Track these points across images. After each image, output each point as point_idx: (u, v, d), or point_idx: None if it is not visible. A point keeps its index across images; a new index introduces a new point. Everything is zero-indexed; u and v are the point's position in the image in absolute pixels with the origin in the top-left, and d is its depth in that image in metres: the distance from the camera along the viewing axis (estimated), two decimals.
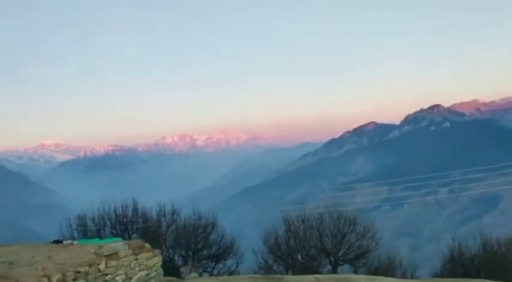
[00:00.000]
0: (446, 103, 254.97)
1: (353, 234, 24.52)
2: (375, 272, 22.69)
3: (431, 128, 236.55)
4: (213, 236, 24.08)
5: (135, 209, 24.08)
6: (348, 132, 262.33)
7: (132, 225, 23.21)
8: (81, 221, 23.58)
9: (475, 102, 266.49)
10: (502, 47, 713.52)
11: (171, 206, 24.87)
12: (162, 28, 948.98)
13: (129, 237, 21.78)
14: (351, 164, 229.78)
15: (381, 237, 25.54)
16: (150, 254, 13.04)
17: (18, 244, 13.35)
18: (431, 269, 27.07)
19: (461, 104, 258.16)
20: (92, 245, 12.13)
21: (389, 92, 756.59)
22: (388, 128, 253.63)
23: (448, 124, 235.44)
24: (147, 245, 13.28)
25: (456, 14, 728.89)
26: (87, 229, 22.91)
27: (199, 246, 23.60)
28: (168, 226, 24.02)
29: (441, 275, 23.81)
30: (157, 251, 13.59)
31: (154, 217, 24.25)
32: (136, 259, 12.23)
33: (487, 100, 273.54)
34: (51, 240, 14.60)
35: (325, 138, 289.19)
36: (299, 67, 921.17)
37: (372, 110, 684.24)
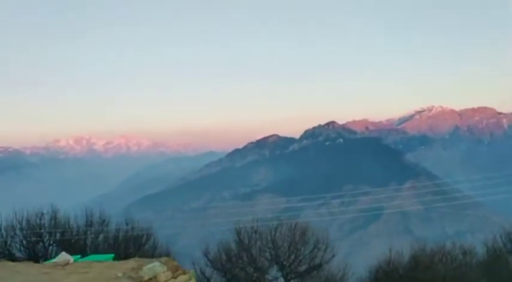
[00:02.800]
0: (341, 120, 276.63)
1: (306, 245, 23.75)
2: None
3: (327, 143, 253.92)
4: (146, 247, 22.27)
5: (53, 218, 21.24)
6: (251, 143, 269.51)
7: (50, 237, 20.48)
8: None
9: (365, 121, 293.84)
10: (393, 69, 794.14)
11: (99, 214, 22.59)
12: (73, 21, 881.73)
13: (45, 250, 19.54)
14: (254, 174, 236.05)
15: (336, 250, 24.98)
16: (187, 277, 10.74)
17: None
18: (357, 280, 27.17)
19: (354, 122, 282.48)
20: (108, 265, 9.62)
21: (290, 105, 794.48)
22: (289, 141, 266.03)
23: (341, 140, 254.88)
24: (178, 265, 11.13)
25: (354, 36, 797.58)
26: None
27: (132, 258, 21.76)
28: (95, 237, 21.59)
29: None
30: (192, 272, 11.58)
31: (77, 227, 21.64)
32: None
33: (376, 120, 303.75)
34: None
35: (228, 148, 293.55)
36: (204, 75, 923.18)
37: (274, 122, 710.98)
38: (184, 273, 10.56)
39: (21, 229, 20.30)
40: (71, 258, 10.55)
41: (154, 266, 9.57)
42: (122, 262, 9.85)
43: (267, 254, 23.68)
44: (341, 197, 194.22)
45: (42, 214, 21.00)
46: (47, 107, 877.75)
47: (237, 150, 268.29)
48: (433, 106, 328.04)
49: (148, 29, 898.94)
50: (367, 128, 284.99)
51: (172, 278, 9.82)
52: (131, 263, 9.63)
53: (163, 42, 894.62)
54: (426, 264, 23.62)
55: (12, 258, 18.86)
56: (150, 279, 9.05)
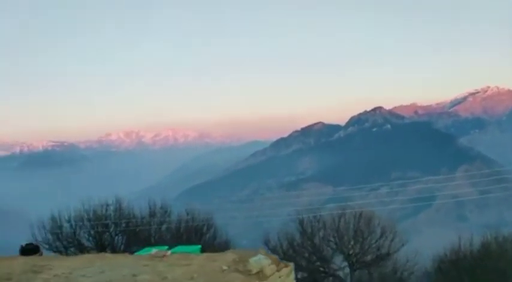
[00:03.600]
0: (388, 105, 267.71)
1: (373, 234, 22.97)
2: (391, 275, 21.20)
3: (374, 129, 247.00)
4: (206, 237, 22.37)
5: (118, 208, 21.83)
6: (296, 131, 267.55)
7: (116, 227, 20.92)
8: (55, 223, 21.02)
9: (414, 105, 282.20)
10: (440, 53, 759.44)
11: (161, 204, 22.71)
12: (107, 19, 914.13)
13: (112, 240, 19.75)
14: (299, 163, 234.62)
15: (406, 239, 23.75)
16: (288, 270, 9.99)
17: (75, 257, 10.45)
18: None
19: (401, 107, 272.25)
20: (207, 257, 9.16)
21: (335, 92, 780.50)
22: (334, 128, 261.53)
23: (389, 126, 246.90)
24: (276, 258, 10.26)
25: (399, 19, 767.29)
26: (62, 231, 20.63)
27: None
28: (158, 227, 21.86)
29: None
30: (292, 266, 10.65)
31: (142, 217, 21.90)
32: (280, 277, 9.34)
33: (425, 104, 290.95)
34: (21, 246, 12.80)
35: (273, 137, 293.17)
36: (247, 65, 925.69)
37: (319, 110, 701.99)
38: (285, 266, 9.80)
39: (89, 220, 20.95)
40: (168, 251, 10.03)
41: (260, 259, 8.81)
42: (219, 254, 9.27)
43: (331, 244, 23.13)
44: (390, 185, 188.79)
45: (108, 205, 21.50)
46: (99, 101, 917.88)
47: (281, 139, 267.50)
48: (488, 87, 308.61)
49: (191, 21, 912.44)
50: (416, 112, 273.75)
51: (276, 271, 9.11)
52: (230, 255, 9.00)
53: (209, 33, 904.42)
54: (498, 252, 21.79)
55: (81, 247, 19.53)
56: (257, 272, 8.34)
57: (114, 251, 19.70)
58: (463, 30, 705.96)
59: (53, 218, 20.82)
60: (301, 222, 23.29)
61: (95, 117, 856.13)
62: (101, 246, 19.88)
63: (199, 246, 13.22)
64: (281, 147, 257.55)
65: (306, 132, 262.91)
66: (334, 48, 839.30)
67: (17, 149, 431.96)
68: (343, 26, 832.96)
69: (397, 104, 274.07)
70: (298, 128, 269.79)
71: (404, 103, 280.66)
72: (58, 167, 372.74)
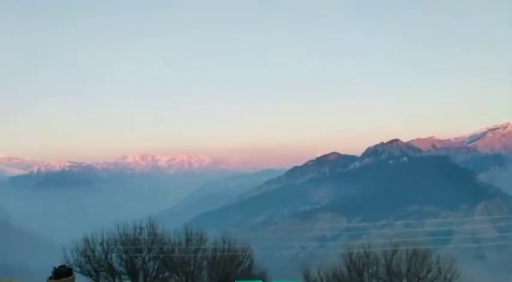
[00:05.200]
0: (405, 138, 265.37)
1: (429, 274, 21.16)
2: None
3: (390, 161, 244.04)
4: (241, 267, 21.55)
5: (152, 233, 21.02)
6: (311, 161, 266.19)
7: (149, 252, 20.09)
8: (88, 245, 20.33)
9: (432, 139, 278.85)
10: (460, 87, 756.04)
11: (197, 231, 22.04)
12: (127, 43, 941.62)
13: (144, 265, 19.13)
14: (313, 192, 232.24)
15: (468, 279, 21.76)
16: None
17: None
18: None
19: (419, 140, 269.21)
20: None
21: (351, 123, 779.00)
22: (349, 159, 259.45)
23: (406, 159, 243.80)
24: None
25: (419, 49, 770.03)
26: (95, 254, 19.95)
27: (231, 278, 20.59)
28: (194, 254, 20.89)
29: None
30: None
31: (178, 242, 21.18)
32: None
33: (443, 138, 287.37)
34: (54, 267, 12.72)
35: (287, 165, 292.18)
36: (264, 93, 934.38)
37: (335, 140, 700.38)
38: None
39: (122, 243, 20.31)
40: None
41: None
42: None
43: (381, 281, 21.67)
44: (406, 218, 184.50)
45: (141, 228, 20.88)
46: (116, 124, 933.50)
47: (296, 168, 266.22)
48: (508, 123, 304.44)
49: (208, 48, 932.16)
50: (433, 146, 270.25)
51: None
52: None
53: (226, 61, 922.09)
54: None
55: (112, 272, 19.10)
56: None
57: (146, 276, 19.28)
58: (484, 65, 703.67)
59: (85, 240, 20.28)
60: (349, 256, 22.15)
61: (112, 140, 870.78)
62: (132, 272, 19.42)
63: (261, 280, 13.11)
64: (296, 176, 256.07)
65: (321, 161, 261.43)
66: (351, 78, 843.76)
67: (35, 169, 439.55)
68: (361, 55, 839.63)
69: (414, 137, 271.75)
70: (313, 158, 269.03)
71: (422, 136, 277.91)
72: (75, 187, 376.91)
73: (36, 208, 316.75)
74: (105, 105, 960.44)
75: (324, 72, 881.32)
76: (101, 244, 20.24)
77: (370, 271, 21.54)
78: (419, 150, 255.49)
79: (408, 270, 21.09)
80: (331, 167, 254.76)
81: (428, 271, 20.98)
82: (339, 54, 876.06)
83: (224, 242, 21.68)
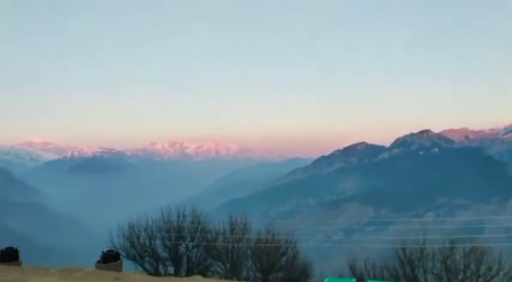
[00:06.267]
0: (436, 129, 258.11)
1: (489, 272, 19.93)
2: None
3: (420, 152, 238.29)
4: (284, 258, 20.93)
5: (195, 220, 20.80)
6: (338, 150, 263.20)
7: (192, 240, 20.13)
8: (133, 230, 20.34)
9: (464, 129, 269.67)
10: (494, 77, 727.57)
11: (241, 219, 21.60)
12: (155, 34, 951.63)
13: (188, 252, 19.47)
14: (340, 182, 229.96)
15: None
16: None
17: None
18: None
19: (451, 130, 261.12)
20: None
21: (380, 113, 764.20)
22: (378, 149, 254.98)
23: (436, 150, 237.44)
24: None
25: (453, 42, 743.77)
26: (139, 239, 20.11)
27: (275, 268, 20.26)
28: (237, 242, 20.58)
29: None
30: None
31: (222, 231, 20.99)
32: None
33: (476, 129, 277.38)
34: (103, 251, 12.95)
35: (314, 154, 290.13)
36: (293, 83, 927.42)
37: (363, 130, 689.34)
38: None
39: (167, 230, 20.40)
40: None
41: None
42: None
43: (436, 277, 20.60)
44: (436, 209, 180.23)
45: (184, 216, 20.94)
46: (146, 111, 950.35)
47: (323, 158, 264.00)
48: None
49: (236, 39, 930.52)
50: (466, 137, 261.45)
51: None
52: None
53: (255, 51, 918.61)
54: None
55: (155, 257, 19.54)
56: None
57: (189, 263, 19.49)
58: None
59: (130, 226, 20.42)
60: (403, 252, 20.97)
61: (141, 127, 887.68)
62: (175, 258, 19.84)
63: (354, 280, 13.03)
64: (322, 166, 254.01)
65: (349, 151, 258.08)
66: (381, 67, 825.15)
67: (68, 154, 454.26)
68: (392, 45, 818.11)
69: (446, 128, 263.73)
70: (341, 147, 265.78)
71: (454, 127, 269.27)
72: (105, 172, 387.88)
73: (69, 192, 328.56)
74: (135, 94, 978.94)
75: (354, 62, 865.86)
76: (145, 230, 20.34)
77: (425, 266, 20.25)
78: (452, 141, 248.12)
79: (466, 266, 19.70)
80: (359, 157, 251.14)
81: (489, 269, 19.43)
82: (367, 45, 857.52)
83: (268, 232, 21.13)
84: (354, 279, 13.10)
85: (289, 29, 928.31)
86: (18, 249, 15.50)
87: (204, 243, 19.84)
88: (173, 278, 11.90)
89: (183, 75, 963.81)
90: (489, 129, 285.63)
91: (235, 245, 20.18)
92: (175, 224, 20.41)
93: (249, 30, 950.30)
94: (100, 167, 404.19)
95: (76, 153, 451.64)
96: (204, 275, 17.93)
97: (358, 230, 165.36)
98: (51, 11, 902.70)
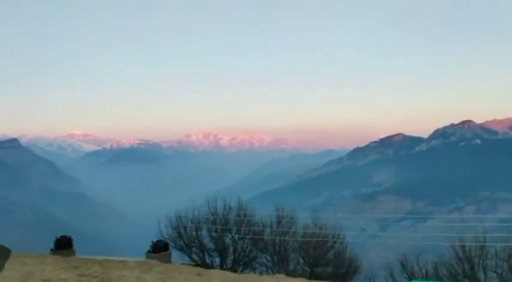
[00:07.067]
0: (479, 119, 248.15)
1: None
2: None
3: (461, 143, 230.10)
4: (332, 251, 20.68)
5: (240, 213, 20.84)
6: (374, 142, 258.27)
7: (238, 232, 20.21)
8: (180, 221, 20.64)
9: (509, 120, 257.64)
10: None
11: (287, 211, 21.39)
12: (191, 26, 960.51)
13: (234, 244, 19.79)
14: (376, 174, 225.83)
15: None
16: None
17: None
18: None
19: (494, 121, 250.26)
20: None
21: (418, 104, 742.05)
22: (415, 140, 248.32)
23: (478, 141, 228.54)
24: None
25: (492, 30, 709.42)
26: (186, 230, 20.52)
27: (322, 262, 20.06)
28: (284, 235, 20.41)
29: None
30: None
31: (268, 224, 20.87)
32: None
33: None
34: (152, 241, 13.27)
35: (349, 146, 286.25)
36: (328, 73, 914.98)
37: (400, 121, 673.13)
38: None
39: (213, 222, 20.51)
40: None
41: None
42: None
43: (497, 275, 19.61)
44: (477, 203, 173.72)
45: (230, 208, 20.98)
46: (181, 103, 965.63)
47: (358, 149, 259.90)
48: None
49: (267, 31, 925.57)
50: (510, 127, 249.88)
51: None
52: None
53: (288, 43, 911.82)
54: None
55: (202, 248, 20.00)
56: None
57: (235, 254, 19.78)
58: None
59: (178, 216, 20.68)
60: (463, 248, 20.00)
61: (177, 119, 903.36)
62: (222, 250, 20.15)
63: (441, 281, 12.26)
64: (358, 157, 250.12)
65: (385, 143, 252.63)
66: (418, 56, 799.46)
67: (108, 145, 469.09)
68: (432, 34, 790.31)
69: (489, 118, 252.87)
70: (377, 139, 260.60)
71: (498, 117, 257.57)
72: (142, 163, 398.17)
73: (109, 182, 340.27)
74: (171, 86, 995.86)
75: (387, 52, 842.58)
76: (192, 221, 20.58)
77: (485, 264, 19.26)
78: (495, 133, 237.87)
79: None
80: (395, 148, 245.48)
81: None
82: (406, 35, 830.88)
83: (315, 225, 20.80)
84: (441, 281, 12.19)
85: (323, 17, 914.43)
86: (72, 238, 16.09)
87: (250, 236, 19.82)
88: (254, 276, 11.87)
89: (217, 67, 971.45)
90: None
91: (282, 238, 20.04)
92: (221, 216, 20.50)
93: (279, 19, 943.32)
94: (138, 158, 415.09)
95: (115, 145, 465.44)
96: (251, 267, 18.04)
97: (395, 222, 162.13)
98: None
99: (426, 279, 18.50)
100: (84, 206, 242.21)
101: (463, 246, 19.71)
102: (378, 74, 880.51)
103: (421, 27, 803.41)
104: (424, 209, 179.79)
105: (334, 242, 20.40)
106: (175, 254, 18.15)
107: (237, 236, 20.26)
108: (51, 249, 15.80)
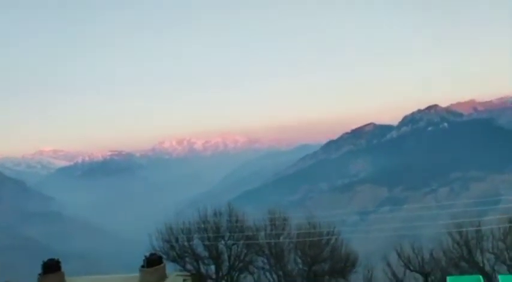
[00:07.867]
0: (444, 103, 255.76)
1: None
2: None
3: (429, 128, 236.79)
4: (328, 248, 20.81)
5: (232, 219, 20.77)
6: (346, 133, 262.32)
7: (230, 237, 20.05)
8: (171, 232, 20.33)
9: (472, 102, 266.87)
10: (497, 47, 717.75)
11: (279, 212, 21.45)
12: (156, 31, 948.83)
13: (228, 250, 19.56)
14: (351, 165, 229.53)
15: None
16: None
17: None
18: None
19: (459, 104, 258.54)
20: None
21: (387, 92, 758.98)
22: (386, 129, 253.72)
23: (446, 124, 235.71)
24: None
25: (452, 15, 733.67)
26: (178, 241, 20.24)
27: (319, 259, 20.22)
28: (278, 237, 20.45)
29: None
30: None
31: (260, 227, 20.69)
32: None
33: (484, 100, 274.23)
34: (145, 256, 13.01)
35: (322, 140, 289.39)
36: (291, 69, 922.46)
37: (370, 111, 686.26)
38: None
39: (205, 229, 20.20)
40: None
41: None
42: None
43: (492, 256, 20.15)
44: (450, 184, 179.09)
45: (220, 214, 20.78)
46: (152, 110, 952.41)
47: (331, 142, 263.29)
48: None
49: (236, 31, 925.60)
50: (475, 109, 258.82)
51: None
52: None
53: (251, 40, 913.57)
54: None
55: (196, 257, 19.54)
56: None
57: (230, 260, 19.49)
58: None
59: (168, 228, 20.33)
60: (460, 233, 20.73)
61: (148, 126, 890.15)
62: (216, 257, 19.84)
63: (480, 276, 12.30)
64: (331, 150, 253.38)
65: (357, 133, 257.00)
66: (380, 44, 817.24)
67: (80, 159, 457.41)
68: (392, 21, 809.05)
69: (453, 101, 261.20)
70: (349, 130, 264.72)
71: (462, 100, 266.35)
72: (117, 175, 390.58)
73: (84, 197, 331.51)
74: (140, 94, 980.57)
75: (353, 43, 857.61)
76: (183, 231, 20.34)
77: (482, 246, 19.76)
78: (461, 115, 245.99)
79: None
80: (368, 138, 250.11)
81: None
82: (366, 22, 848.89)
83: (309, 224, 20.83)
84: (480, 276, 12.13)
85: (285, 15, 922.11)
86: (59, 260, 15.62)
87: (242, 242, 19.69)
88: None
89: (185, 71, 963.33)
90: (497, 99, 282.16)
91: (276, 240, 20.04)
92: (212, 223, 20.29)
93: (247, 21, 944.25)
94: (111, 170, 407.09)
95: (87, 158, 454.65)
96: (248, 272, 17.86)
97: (374, 211, 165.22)
98: (58, 13, 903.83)
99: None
100: (59, 224, 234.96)
101: (460, 232, 20.11)
102: (343, 66, 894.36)
103: (380, 15, 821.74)
104: (401, 195, 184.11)
105: (328, 239, 20.46)
106: (169, 266, 17.87)
107: (230, 241, 20.09)
108: (39, 274, 15.28)
